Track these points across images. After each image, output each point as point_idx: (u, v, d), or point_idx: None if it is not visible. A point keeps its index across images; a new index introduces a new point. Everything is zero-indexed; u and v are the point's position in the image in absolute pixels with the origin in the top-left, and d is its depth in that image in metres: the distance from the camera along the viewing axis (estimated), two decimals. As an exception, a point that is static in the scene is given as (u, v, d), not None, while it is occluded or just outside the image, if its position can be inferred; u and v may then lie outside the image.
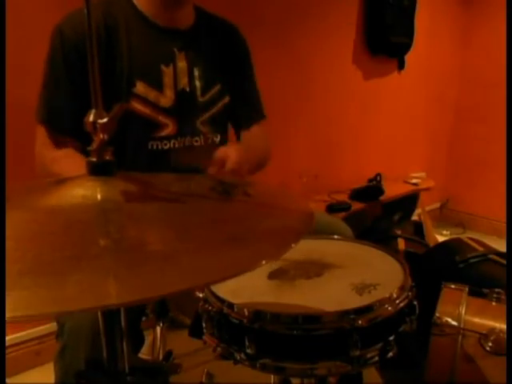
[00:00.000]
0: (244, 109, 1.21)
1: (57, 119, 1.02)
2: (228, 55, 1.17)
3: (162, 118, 1.06)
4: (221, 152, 0.97)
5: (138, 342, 0.98)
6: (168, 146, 1.07)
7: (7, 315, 0.33)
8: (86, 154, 0.55)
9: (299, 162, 2.29)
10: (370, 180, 2.50)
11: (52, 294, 0.36)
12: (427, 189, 2.61)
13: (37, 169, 1.05)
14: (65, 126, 1.00)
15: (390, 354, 0.71)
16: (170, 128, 1.07)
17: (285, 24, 2.10)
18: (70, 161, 0.97)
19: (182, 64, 1.07)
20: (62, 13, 1.00)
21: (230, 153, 0.96)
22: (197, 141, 1.11)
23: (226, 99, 1.15)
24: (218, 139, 1.15)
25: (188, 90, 1.08)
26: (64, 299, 0.36)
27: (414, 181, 2.60)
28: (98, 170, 0.54)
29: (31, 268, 0.40)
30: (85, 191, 0.51)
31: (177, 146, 1.08)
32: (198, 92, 1.10)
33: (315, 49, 2.26)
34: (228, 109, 1.16)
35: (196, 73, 1.09)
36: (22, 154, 1.39)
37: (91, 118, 0.53)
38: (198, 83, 1.10)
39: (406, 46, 2.60)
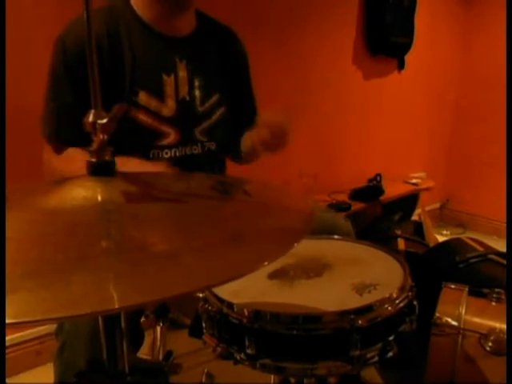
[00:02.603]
0: (239, 117, 1.21)
1: (63, 134, 1.01)
2: (228, 62, 1.16)
3: (163, 127, 1.06)
4: (264, 117, 1.02)
5: (138, 340, 0.98)
6: (169, 154, 1.08)
7: (11, 320, 0.33)
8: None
9: (299, 162, 2.29)
10: (370, 180, 2.50)
11: (56, 297, 0.36)
12: (427, 189, 2.60)
13: (46, 177, 1.05)
14: (70, 139, 1.00)
15: (390, 354, 0.71)
16: (171, 137, 1.07)
17: (285, 24, 2.10)
18: (77, 160, 0.97)
19: (182, 73, 1.07)
20: (63, 17, 0.99)
21: (272, 117, 1.01)
22: (195, 149, 1.12)
23: (223, 109, 1.15)
24: (213, 147, 1.15)
25: (188, 99, 1.08)
26: (68, 303, 0.36)
27: (414, 181, 2.60)
28: (98, 171, 0.54)
29: (34, 270, 0.40)
30: (85, 192, 0.51)
31: (178, 154, 1.09)
32: (198, 101, 1.10)
33: (315, 49, 2.26)
34: (225, 118, 1.16)
35: (196, 82, 1.09)
36: (20, 155, 1.40)
37: (91, 118, 0.53)
38: (197, 92, 1.10)
39: (406, 46, 2.60)
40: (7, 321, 0.33)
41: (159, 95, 1.04)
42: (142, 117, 1.03)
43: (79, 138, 0.95)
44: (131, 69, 1.01)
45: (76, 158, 0.98)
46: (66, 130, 1.00)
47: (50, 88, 1.01)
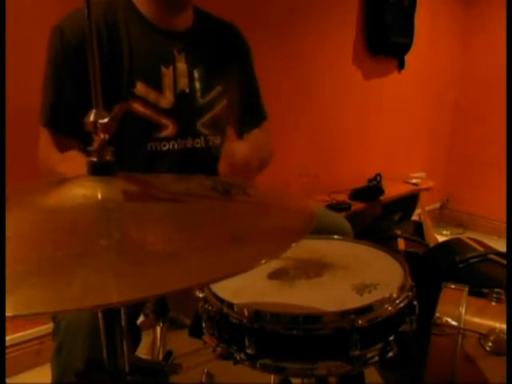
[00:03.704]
0: (246, 110, 1.21)
1: (59, 121, 1.01)
2: (228, 55, 1.16)
3: (161, 119, 1.05)
4: (229, 148, 0.98)
5: (135, 339, 0.98)
6: (167, 147, 1.07)
7: (13, 313, 0.34)
8: (88, 153, 0.55)
9: (299, 162, 2.29)
10: (370, 180, 2.50)
11: (58, 295, 0.36)
12: (427, 189, 2.61)
13: (41, 168, 1.05)
14: (67, 128, 1.00)
15: (390, 354, 0.71)
16: (169, 129, 1.07)
17: (285, 24, 2.10)
18: (76, 162, 0.97)
19: (181, 65, 1.07)
20: (64, 13, 1.00)
21: (238, 148, 0.97)
22: (197, 143, 1.11)
23: (226, 101, 1.15)
24: (218, 141, 1.15)
25: (188, 91, 1.08)
26: (69, 298, 0.36)
27: (414, 181, 2.60)
28: (98, 170, 0.54)
29: (36, 268, 0.40)
30: (85, 191, 0.51)
31: (176, 147, 1.08)
32: (198, 93, 1.10)
33: (315, 49, 2.26)
34: (228, 111, 1.16)
35: (196, 74, 1.09)
36: (19, 155, 1.40)
37: (92, 117, 0.53)
38: (197, 85, 1.09)
39: (406, 46, 2.60)
40: (9, 314, 0.33)
41: (157, 86, 1.04)
42: (140, 108, 1.02)
43: (76, 126, 0.96)
44: (129, 59, 1.01)
45: (70, 159, 0.98)
46: (63, 118, 1.01)
47: (48, 76, 1.01)
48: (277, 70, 2.10)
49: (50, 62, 1.00)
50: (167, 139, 1.07)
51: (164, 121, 1.06)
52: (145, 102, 1.03)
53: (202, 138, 1.11)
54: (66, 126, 1.00)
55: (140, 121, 1.03)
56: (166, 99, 1.05)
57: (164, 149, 1.07)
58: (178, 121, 1.07)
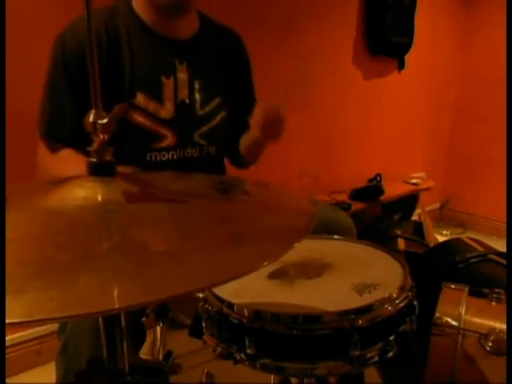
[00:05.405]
0: (243, 117, 1.21)
1: (57, 131, 1.01)
2: (230, 66, 1.16)
3: (161, 130, 1.05)
4: (258, 108, 1.03)
5: (139, 338, 0.98)
6: (166, 157, 1.07)
7: (21, 319, 0.33)
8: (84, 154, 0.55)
9: (299, 162, 2.29)
10: (370, 180, 2.50)
11: (63, 297, 0.36)
12: (427, 189, 2.61)
13: (38, 176, 1.05)
14: (65, 138, 1.00)
15: (390, 354, 0.71)
16: (168, 139, 1.07)
17: (285, 24, 2.10)
18: (68, 162, 0.97)
19: (182, 76, 1.07)
20: (65, 18, 0.99)
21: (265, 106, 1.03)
22: (194, 152, 1.11)
23: (225, 113, 1.15)
24: (213, 151, 1.15)
25: (187, 102, 1.08)
26: (75, 302, 0.36)
27: (414, 181, 2.60)
28: (98, 171, 0.54)
29: (40, 270, 0.40)
30: (86, 192, 0.51)
31: (175, 157, 1.08)
32: (198, 104, 1.09)
33: (315, 49, 2.26)
34: (226, 122, 1.16)
35: (196, 85, 1.09)
36: (19, 155, 1.40)
37: (91, 118, 0.53)
38: (197, 96, 1.09)
39: (406, 46, 2.60)
40: (16, 320, 0.33)
41: (157, 97, 1.04)
42: (140, 119, 1.02)
43: (73, 137, 0.96)
44: (129, 70, 1.00)
45: (69, 160, 0.99)
46: (60, 129, 1.01)
47: (48, 86, 1.01)
48: (276, 70, 2.10)
49: (51, 73, 1.00)
50: (166, 149, 1.07)
51: (163, 131, 1.06)
52: (145, 112, 1.02)
53: (198, 147, 1.12)
54: (62, 136, 1.00)
55: (139, 131, 1.03)
56: (166, 110, 1.05)
57: (163, 159, 1.07)
58: (177, 131, 1.07)
